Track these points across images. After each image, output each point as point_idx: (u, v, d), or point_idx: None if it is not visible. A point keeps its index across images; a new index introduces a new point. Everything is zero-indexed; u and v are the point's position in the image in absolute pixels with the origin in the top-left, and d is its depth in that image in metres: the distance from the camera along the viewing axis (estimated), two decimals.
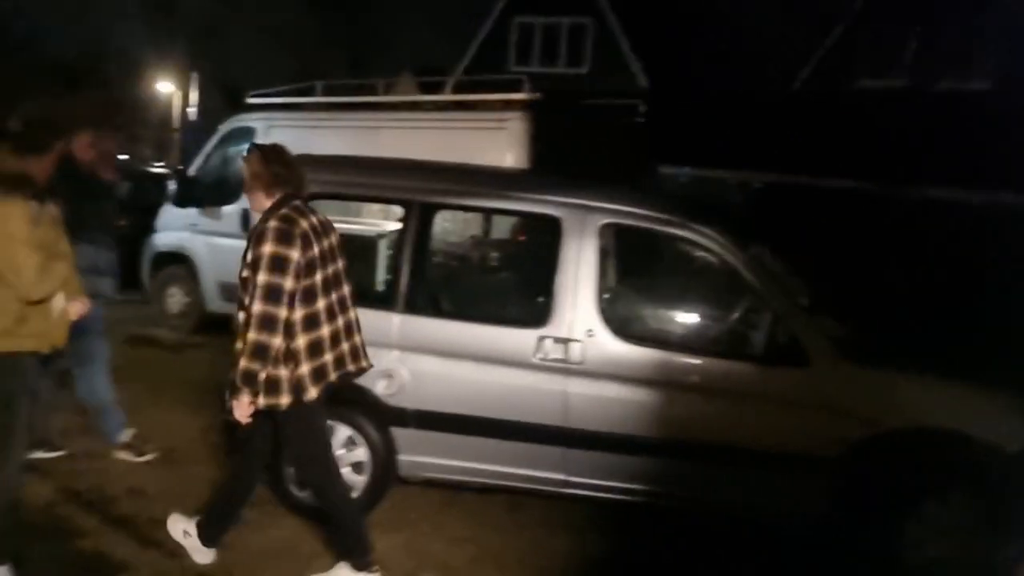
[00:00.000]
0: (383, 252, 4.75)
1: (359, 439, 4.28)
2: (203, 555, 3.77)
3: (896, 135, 12.49)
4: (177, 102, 35.13)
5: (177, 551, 3.82)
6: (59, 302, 3.51)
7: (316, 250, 3.39)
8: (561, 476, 4.18)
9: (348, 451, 4.29)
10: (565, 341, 4.06)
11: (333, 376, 3.51)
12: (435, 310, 4.43)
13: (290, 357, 3.35)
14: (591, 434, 4.07)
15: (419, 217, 4.36)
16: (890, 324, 5.32)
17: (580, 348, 4.05)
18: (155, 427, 5.42)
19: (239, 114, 8.79)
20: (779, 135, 13.89)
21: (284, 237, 3.29)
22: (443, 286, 4.82)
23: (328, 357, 3.47)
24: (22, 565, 3.55)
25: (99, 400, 4.94)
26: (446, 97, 7.85)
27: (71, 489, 4.47)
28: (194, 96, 33.91)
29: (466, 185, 4.54)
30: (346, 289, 3.61)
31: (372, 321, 4.23)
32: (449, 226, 5.76)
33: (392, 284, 4.34)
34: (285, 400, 3.37)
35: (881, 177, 12.09)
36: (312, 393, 3.40)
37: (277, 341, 3.28)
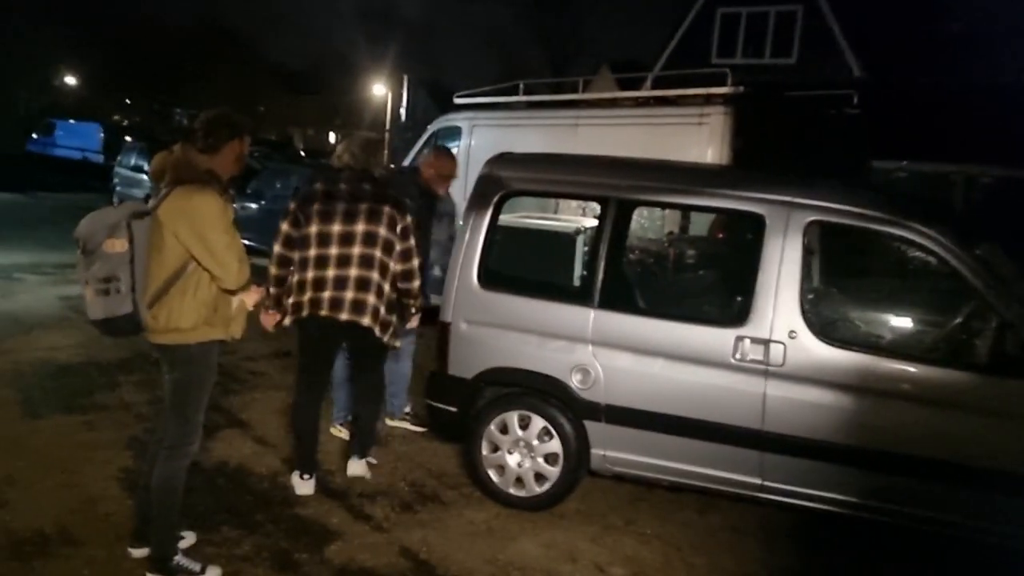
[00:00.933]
0: (579, 249, 4.80)
1: (553, 430, 4.37)
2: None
3: None
4: (389, 103, 37.16)
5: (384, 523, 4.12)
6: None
7: (317, 207, 4.19)
8: (756, 480, 4.05)
9: (542, 442, 4.40)
10: (765, 342, 3.93)
11: (304, 313, 4.23)
12: (630, 306, 4.43)
13: (290, 289, 4.29)
14: (790, 439, 3.91)
15: (616, 214, 4.37)
16: None
17: (781, 350, 3.91)
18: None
19: (447, 114, 9.20)
20: (1011, 126, 12.59)
21: (294, 195, 4.46)
22: (639, 283, 4.81)
23: (305, 297, 4.22)
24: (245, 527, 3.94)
25: (402, 376, 5.49)
26: (645, 93, 7.79)
27: (292, 461, 4.89)
28: (404, 97, 35.73)
29: (664, 182, 4.50)
30: (355, 250, 4.19)
31: (567, 316, 4.33)
32: (646, 223, 5.73)
33: (588, 280, 4.38)
34: (287, 320, 4.32)
35: None
36: (289, 320, 4.30)
37: (272, 270, 4.31)
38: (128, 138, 23.94)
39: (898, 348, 4.17)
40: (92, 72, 42.90)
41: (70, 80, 43.69)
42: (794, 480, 3.99)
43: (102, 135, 28.71)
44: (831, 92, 8.50)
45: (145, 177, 15.25)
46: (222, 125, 3.52)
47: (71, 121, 31.79)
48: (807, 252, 4.06)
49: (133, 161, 16.67)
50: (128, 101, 48.08)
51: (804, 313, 3.92)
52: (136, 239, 3.28)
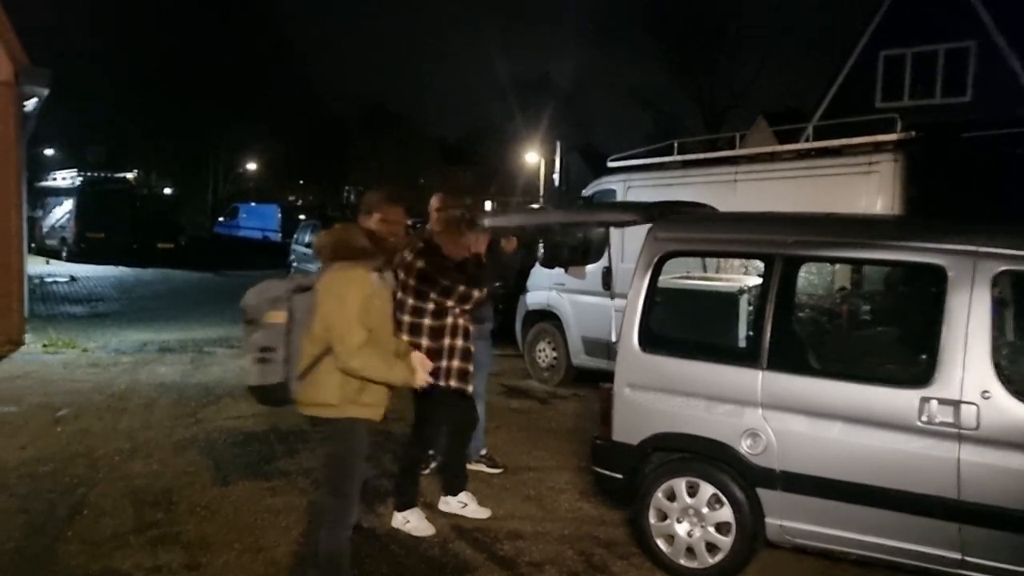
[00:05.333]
0: (743, 307, 4.66)
1: (723, 498, 4.20)
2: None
3: None
4: (543, 170, 38.04)
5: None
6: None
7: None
8: (957, 556, 3.70)
9: (712, 510, 4.24)
10: (955, 403, 3.63)
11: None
12: (801, 367, 4.22)
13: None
14: (992, 509, 3.56)
15: (782, 271, 4.22)
16: None
17: (974, 411, 3.59)
18: (528, 471, 5.86)
19: (601, 177, 9.28)
20: None
21: None
22: (809, 342, 4.59)
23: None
24: None
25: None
26: (807, 145, 7.54)
27: (461, 527, 4.96)
28: (558, 162, 36.47)
29: (831, 236, 4.31)
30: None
31: (734, 378, 4.18)
32: (815, 279, 5.49)
33: (755, 340, 4.23)
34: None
35: None
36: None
37: None
38: (302, 217, 25.75)
39: None
40: (271, 158, 46.65)
41: (251, 166, 47.64)
42: (1000, 555, 3.61)
43: (279, 215, 31.06)
44: (1012, 130, 7.92)
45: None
46: (376, 194, 3.79)
47: (252, 204, 34.67)
48: (999, 304, 3.74)
49: (307, 238, 17.85)
50: (301, 182, 51.91)
51: (998, 371, 3.60)
52: (295, 312, 3.44)
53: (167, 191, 35.39)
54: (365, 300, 3.52)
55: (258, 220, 31.74)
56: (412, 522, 4.89)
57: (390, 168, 45.54)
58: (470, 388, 4.94)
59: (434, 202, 5.34)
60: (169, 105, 36.56)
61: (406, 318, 4.73)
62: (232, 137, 40.93)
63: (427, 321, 4.75)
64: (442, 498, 5.22)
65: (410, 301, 4.75)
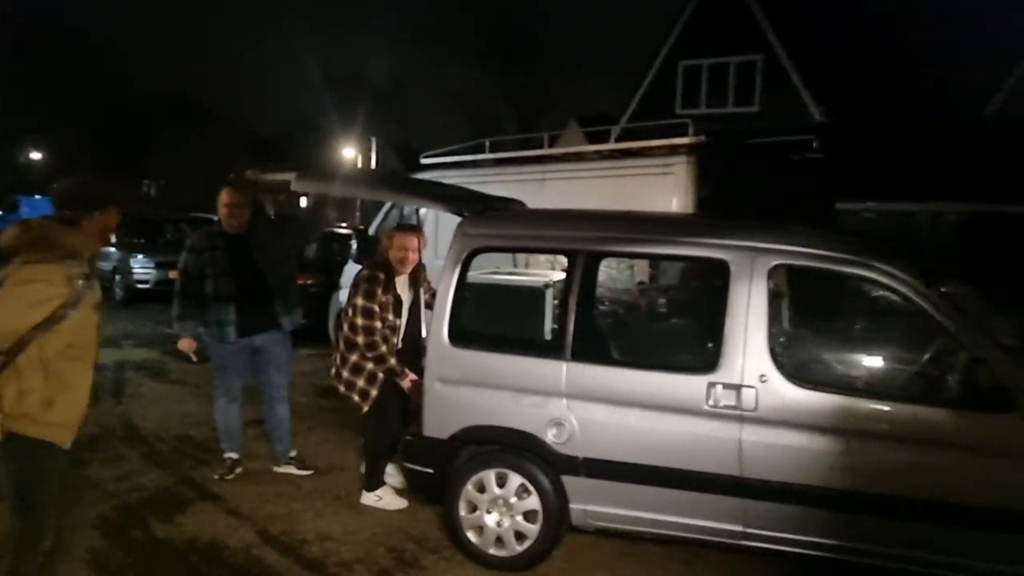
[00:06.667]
0: (549, 302, 4.80)
1: (531, 487, 4.31)
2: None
3: None
4: (358, 166, 37.47)
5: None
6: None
7: None
8: (739, 528, 4.01)
9: (520, 499, 4.33)
10: (737, 387, 3.93)
11: None
12: (602, 358, 4.42)
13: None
14: (769, 484, 3.88)
15: (584, 266, 4.38)
16: None
17: (753, 394, 3.90)
18: (338, 471, 5.76)
19: (414, 174, 9.25)
20: (974, 162, 12.88)
21: None
22: (610, 333, 4.80)
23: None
24: None
25: (280, 420, 5.79)
26: (610, 146, 7.87)
27: (267, 532, 4.78)
28: (373, 159, 36.09)
29: (629, 233, 4.54)
30: None
31: (541, 370, 4.30)
32: (615, 273, 5.75)
33: (559, 333, 4.37)
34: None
35: None
36: None
37: None
38: None
39: (869, 387, 4.17)
40: (59, 147, 42.92)
41: (35, 156, 43.68)
42: (776, 526, 3.95)
43: None
44: (793, 138, 8.66)
45: (111, 249, 15.20)
46: (83, 196, 3.22)
47: (37, 197, 31.71)
48: (774, 296, 4.08)
49: None
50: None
51: (774, 356, 3.93)
52: None
53: None
54: (55, 307, 3.06)
55: (43, 214, 29.04)
56: (385, 499, 5.20)
57: (195, 162, 43.12)
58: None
59: (223, 197, 5.39)
60: None
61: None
62: (4, 119, 37.11)
63: None
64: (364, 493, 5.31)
65: None
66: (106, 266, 15.65)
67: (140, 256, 15.11)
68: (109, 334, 11.33)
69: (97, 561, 4.24)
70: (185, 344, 5.51)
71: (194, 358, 5.62)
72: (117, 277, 15.27)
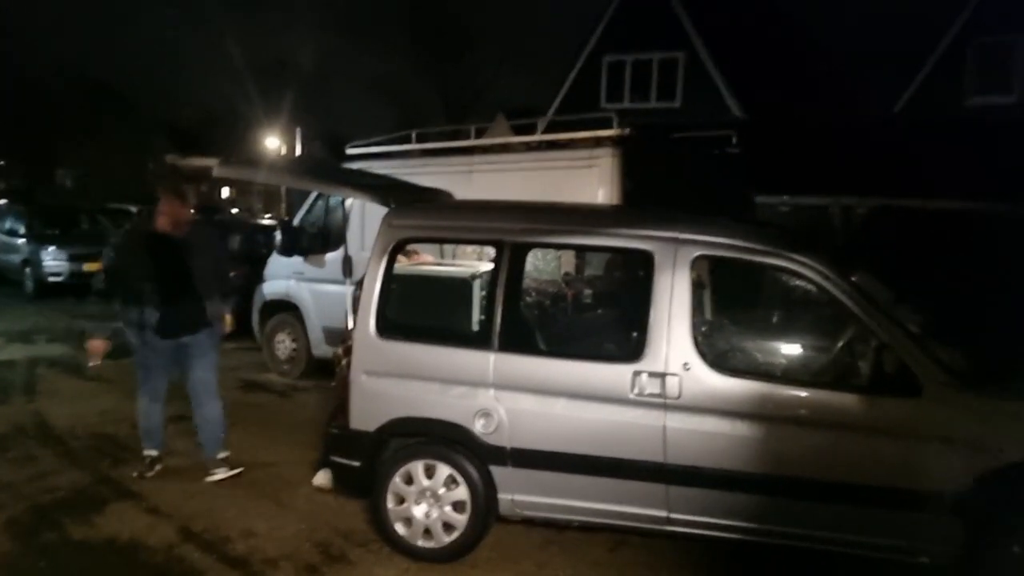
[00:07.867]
0: (476, 292, 4.81)
1: (459, 478, 4.32)
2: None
3: (1009, 153, 11.90)
4: (283, 156, 36.75)
5: None
6: None
7: None
8: (663, 513, 4.10)
9: (448, 490, 4.34)
10: (661, 376, 4.01)
11: None
12: (529, 348, 4.45)
13: None
14: (691, 470, 3.98)
15: (511, 257, 4.41)
16: (1010, 350, 5.02)
17: (677, 382, 3.99)
18: (263, 467, 5.66)
19: (341, 164, 9.13)
20: (883, 158, 13.41)
21: None
22: (537, 324, 4.84)
23: None
24: None
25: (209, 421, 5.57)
26: (536, 137, 7.91)
27: (189, 530, 4.67)
28: (298, 149, 35.45)
29: (556, 223, 4.58)
30: None
31: (468, 361, 4.32)
32: (542, 264, 5.80)
33: (486, 324, 4.39)
34: None
35: (995, 197, 11.50)
36: None
37: None
38: (2, 201, 22.83)
39: (787, 374, 4.32)
40: None
41: None
42: (699, 510, 4.06)
43: None
44: (713, 133, 8.86)
45: (21, 241, 14.57)
46: None
47: None
48: (696, 286, 4.18)
49: (8, 225, 15.88)
50: (2, 163, 45.84)
51: (696, 345, 4.03)
52: None
53: None
54: None
55: None
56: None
57: (112, 150, 41.51)
58: None
59: (166, 207, 5.34)
60: None
61: None
62: None
63: None
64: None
65: None
66: (15, 259, 15.02)
67: (52, 248, 14.52)
68: (20, 329, 10.93)
69: (8, 566, 4.08)
70: (95, 346, 5.34)
71: (91, 363, 5.46)
72: (27, 270, 14.65)
